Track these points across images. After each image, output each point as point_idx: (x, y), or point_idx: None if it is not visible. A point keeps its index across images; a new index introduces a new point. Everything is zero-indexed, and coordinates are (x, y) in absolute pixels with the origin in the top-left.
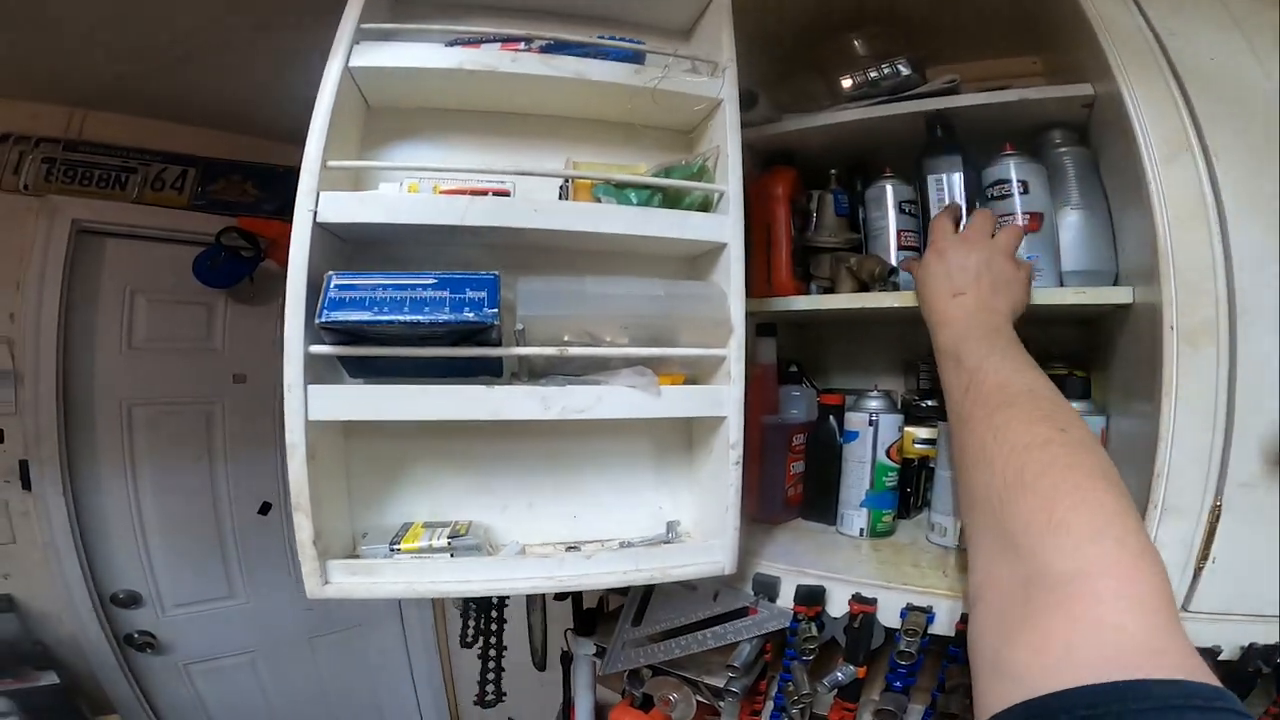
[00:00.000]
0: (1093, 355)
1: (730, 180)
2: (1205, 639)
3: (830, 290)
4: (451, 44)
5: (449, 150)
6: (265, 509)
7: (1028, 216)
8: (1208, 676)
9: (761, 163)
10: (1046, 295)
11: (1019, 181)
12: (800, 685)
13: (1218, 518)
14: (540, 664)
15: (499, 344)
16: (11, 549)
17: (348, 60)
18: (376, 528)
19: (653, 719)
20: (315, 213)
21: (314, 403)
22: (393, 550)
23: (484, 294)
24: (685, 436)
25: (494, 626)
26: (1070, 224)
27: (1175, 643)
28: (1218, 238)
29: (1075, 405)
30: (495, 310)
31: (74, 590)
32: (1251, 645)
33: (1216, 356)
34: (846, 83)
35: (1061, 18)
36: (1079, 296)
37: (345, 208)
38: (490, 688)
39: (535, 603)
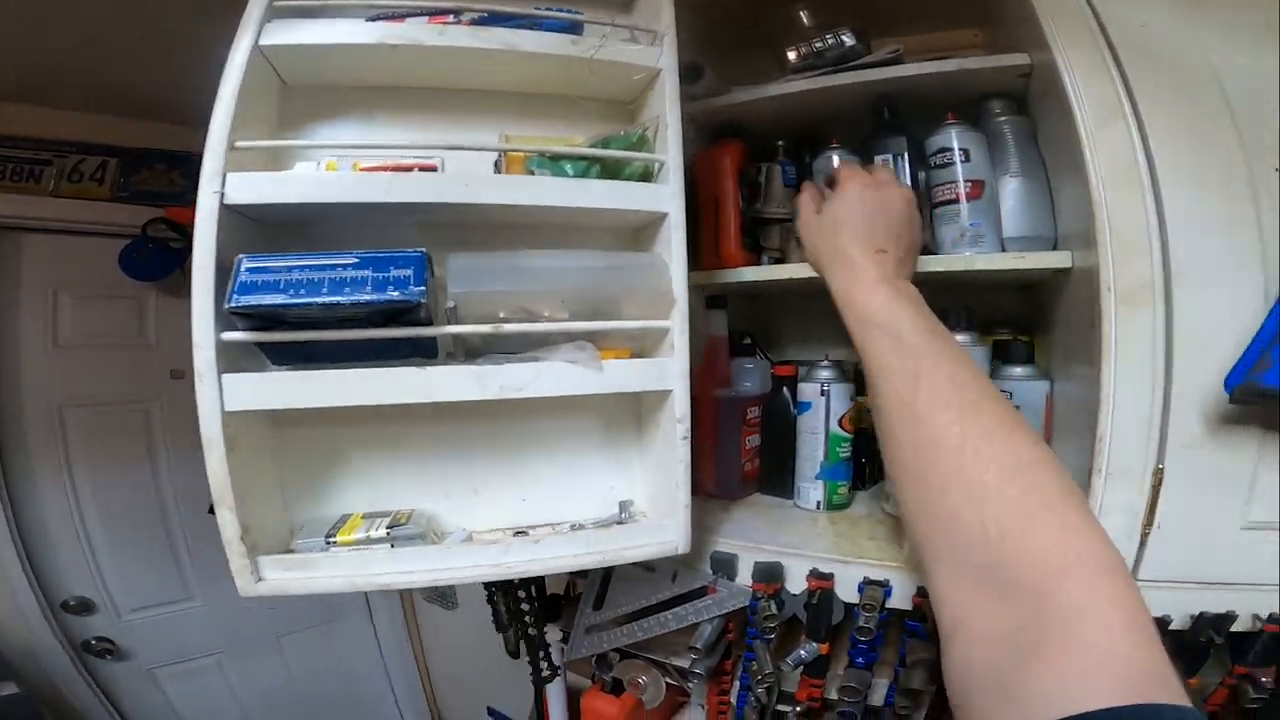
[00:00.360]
0: (1035, 320)
1: (670, 149)
2: (1155, 608)
3: (780, 261)
4: (374, 19)
5: (375, 128)
6: (213, 508)
7: (969, 184)
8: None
9: (709, 136)
10: (989, 261)
11: (960, 150)
12: (764, 664)
13: (1160, 481)
14: (514, 651)
15: (429, 323)
16: None
17: (258, 39)
18: (314, 520)
19: (623, 702)
20: (222, 195)
21: (230, 393)
22: (329, 543)
23: (409, 272)
24: (634, 413)
25: (524, 606)
26: (1010, 191)
27: (1173, 672)
28: (1151, 200)
29: (1019, 370)
30: (422, 288)
31: (21, 599)
32: (1201, 614)
33: (1153, 317)
34: (792, 54)
35: None
36: (1020, 261)
37: (256, 189)
38: (544, 663)
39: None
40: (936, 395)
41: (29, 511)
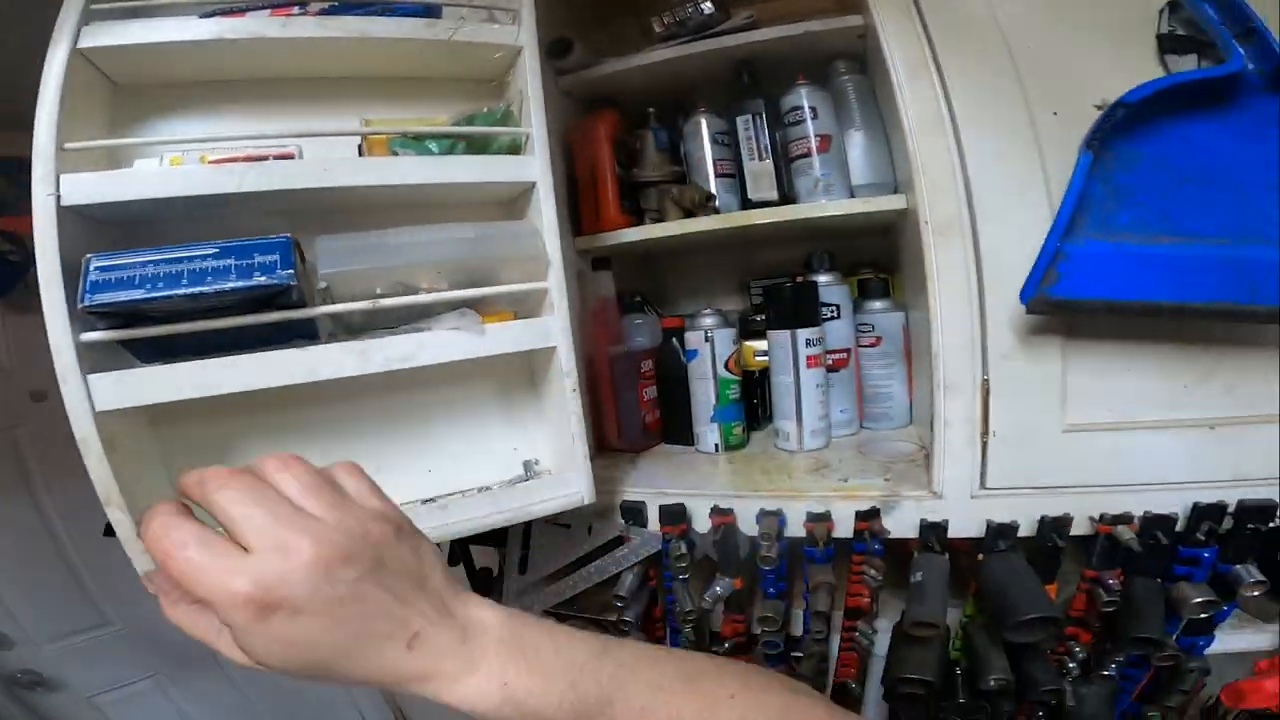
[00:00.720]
0: (891, 260)
1: (534, 122)
2: (1003, 515)
3: (659, 220)
4: (209, 15)
5: (224, 121)
6: (111, 530)
7: (819, 138)
8: None
9: (584, 107)
10: (840, 207)
11: (810, 108)
12: (684, 603)
13: (988, 392)
14: None
15: (302, 305)
16: None
17: (75, 42)
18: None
19: None
20: (58, 197)
21: (99, 393)
22: None
23: (276, 257)
24: (528, 376)
25: None
26: (855, 143)
27: None
28: (954, 145)
29: (879, 304)
30: (291, 271)
31: None
32: (1043, 518)
33: (963, 246)
34: (657, 25)
35: None
36: (865, 206)
37: (93, 188)
38: None
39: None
40: None
41: None
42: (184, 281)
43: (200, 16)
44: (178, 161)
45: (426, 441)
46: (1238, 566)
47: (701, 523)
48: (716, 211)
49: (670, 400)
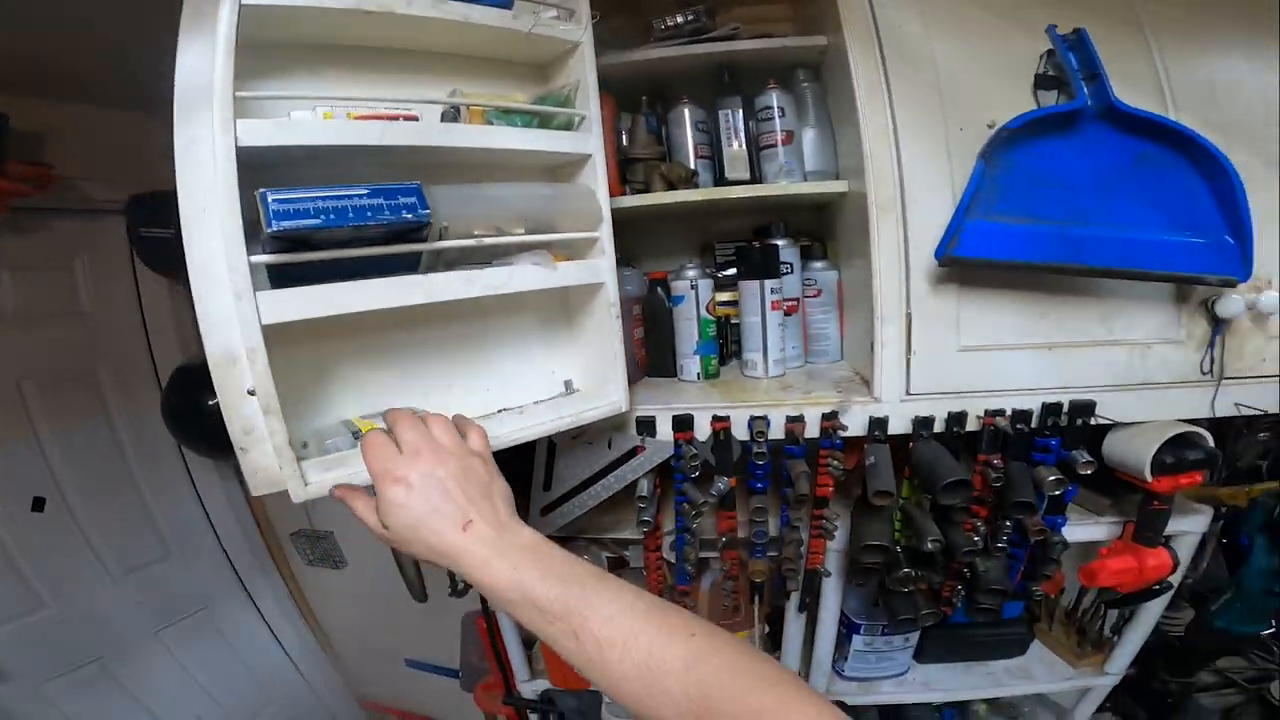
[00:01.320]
0: (824, 230)
1: (591, 106)
2: (924, 412)
3: (645, 191)
4: None
5: (340, 83)
6: (39, 504)
7: (784, 133)
8: None
9: None
10: (798, 188)
11: (779, 108)
12: (694, 498)
13: (910, 322)
14: (420, 595)
15: (426, 240)
16: None
17: None
18: (313, 432)
19: None
20: (237, 138)
21: (265, 307)
22: (357, 440)
23: (414, 199)
24: (564, 310)
25: None
26: (809, 139)
27: None
28: (894, 148)
29: (819, 264)
30: (428, 210)
31: None
32: (949, 414)
33: (896, 220)
34: (659, 26)
35: None
36: (817, 188)
37: (267, 134)
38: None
39: None
40: (600, 643)
41: None
42: (350, 215)
43: None
44: (329, 115)
45: (484, 365)
46: (1073, 451)
47: (701, 431)
48: (696, 186)
49: (655, 339)
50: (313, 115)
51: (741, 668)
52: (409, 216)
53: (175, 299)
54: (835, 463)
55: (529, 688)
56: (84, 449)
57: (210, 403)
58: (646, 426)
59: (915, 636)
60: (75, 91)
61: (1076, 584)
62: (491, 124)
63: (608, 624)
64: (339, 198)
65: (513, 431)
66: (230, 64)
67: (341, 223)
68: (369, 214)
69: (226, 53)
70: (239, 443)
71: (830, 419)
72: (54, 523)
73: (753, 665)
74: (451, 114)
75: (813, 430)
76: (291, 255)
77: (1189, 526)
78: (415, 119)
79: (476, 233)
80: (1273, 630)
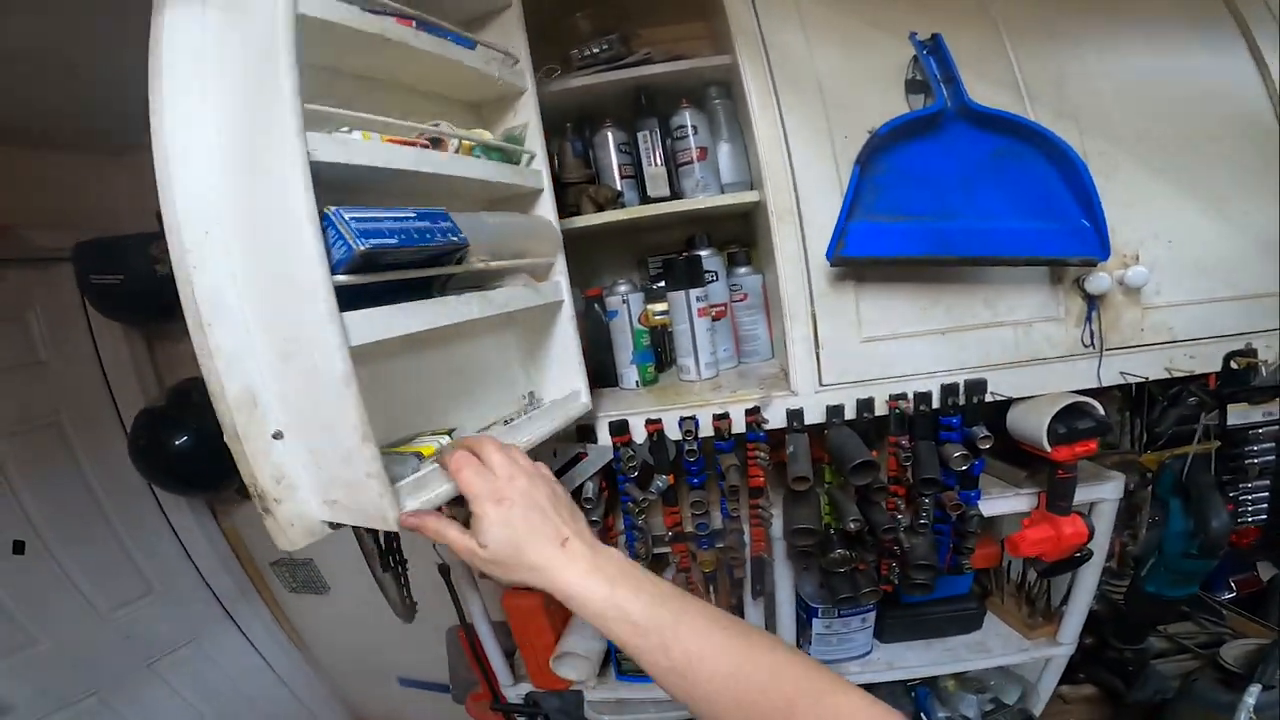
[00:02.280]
0: (750, 238)
1: (538, 143)
2: (835, 401)
3: (576, 214)
4: (368, 10)
5: (343, 107)
6: (19, 547)
7: (699, 149)
8: None
9: None
10: (714, 200)
11: (692, 126)
12: (635, 495)
13: (815, 318)
14: (407, 615)
15: (459, 264)
16: None
17: (297, 7)
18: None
19: (538, 591)
20: (309, 152)
21: (353, 330)
22: (421, 463)
23: (449, 224)
24: (532, 327)
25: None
26: (724, 152)
27: None
28: (786, 158)
29: (743, 269)
30: (464, 235)
31: None
32: (858, 400)
33: (795, 225)
34: (576, 57)
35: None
36: (732, 199)
37: (331, 150)
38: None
39: (374, 559)
40: (690, 656)
41: None
42: (415, 236)
43: (363, 10)
44: (367, 137)
45: (471, 383)
46: (974, 428)
47: (638, 434)
48: (623, 206)
49: (594, 351)
50: (356, 136)
51: (814, 675)
52: (455, 239)
53: (132, 343)
54: (762, 455)
55: (513, 692)
56: (56, 495)
57: (177, 443)
58: (587, 434)
59: (872, 617)
60: (17, 136)
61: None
62: (477, 157)
63: (698, 638)
64: (398, 218)
65: (527, 439)
66: (295, 68)
67: (409, 244)
68: (427, 236)
69: (291, 59)
70: (269, 494)
71: (753, 414)
72: (36, 564)
73: (822, 673)
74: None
75: (739, 426)
76: (373, 275)
77: (1103, 494)
78: (444, 145)
79: (480, 258)
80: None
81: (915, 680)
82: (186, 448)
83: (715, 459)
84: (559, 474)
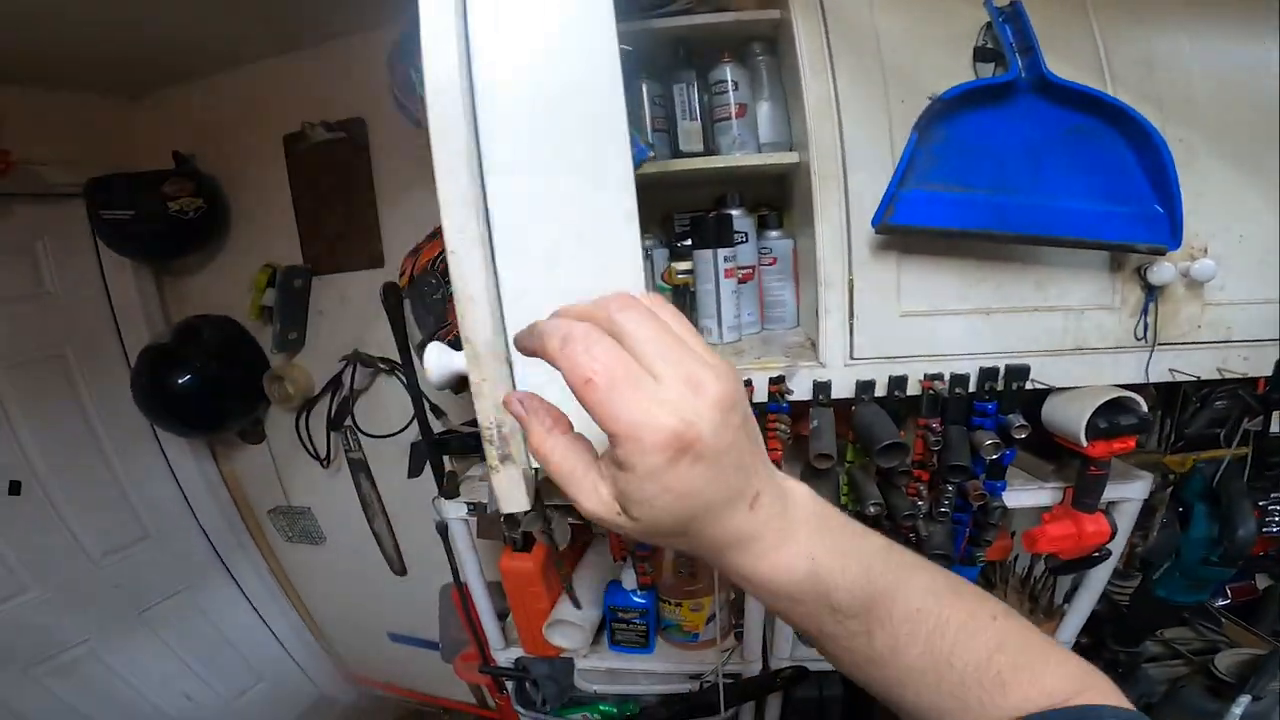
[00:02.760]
0: (782, 201)
1: None
2: (866, 376)
3: None
4: None
5: None
6: (15, 488)
7: (738, 106)
8: None
9: None
10: (751, 159)
11: (733, 81)
12: None
13: (853, 288)
14: (400, 569)
15: None
16: None
17: None
18: None
19: (535, 555)
20: None
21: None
22: None
23: None
24: None
25: None
26: (764, 111)
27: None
28: (836, 122)
29: (774, 233)
30: None
31: None
32: (890, 378)
33: (839, 189)
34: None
35: None
36: (770, 159)
37: None
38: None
39: (374, 510)
40: (898, 641)
41: None
42: None
43: None
44: None
45: None
46: (1009, 416)
47: None
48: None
49: None
50: None
51: (1034, 645)
52: None
53: (140, 279)
54: (782, 427)
55: (504, 656)
56: (56, 431)
57: (180, 381)
58: None
59: None
60: (33, 74)
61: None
62: None
63: (911, 619)
64: None
65: None
66: None
67: None
68: None
69: None
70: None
71: (777, 383)
72: (31, 506)
73: (1044, 642)
74: None
75: (761, 395)
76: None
77: (1129, 493)
78: None
79: None
80: (1226, 602)
81: None
82: (190, 386)
83: None
84: None
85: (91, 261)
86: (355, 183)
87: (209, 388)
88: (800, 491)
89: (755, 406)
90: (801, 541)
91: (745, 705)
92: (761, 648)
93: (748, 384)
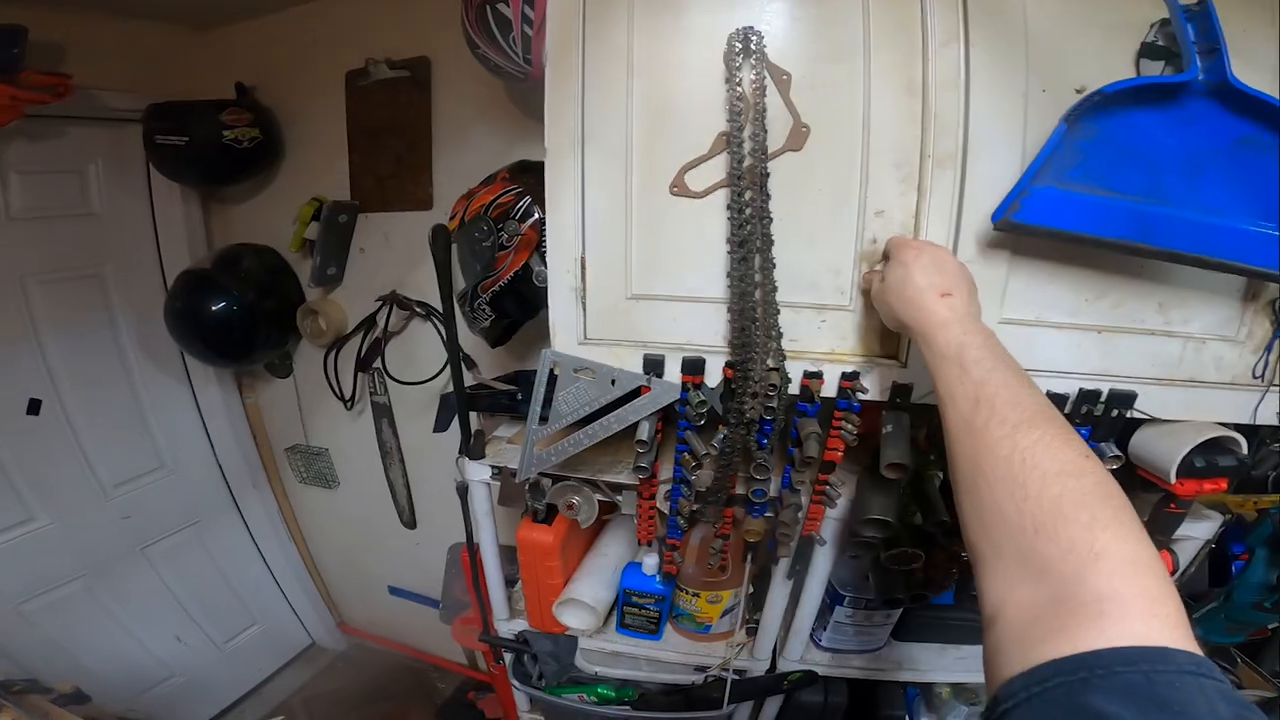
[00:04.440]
0: None
1: None
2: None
3: None
4: None
5: None
6: (34, 407)
7: None
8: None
9: None
10: None
11: None
12: (697, 447)
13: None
14: (410, 521)
15: None
16: None
17: None
18: None
19: (556, 528)
20: None
21: None
22: None
23: None
24: None
25: None
26: None
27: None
28: (963, 100)
29: None
30: None
31: None
32: None
33: (954, 177)
34: None
35: None
36: None
37: None
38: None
39: (392, 458)
40: (993, 414)
41: None
42: None
43: None
44: None
45: None
46: (1101, 444)
47: (712, 377)
48: None
49: None
50: None
51: (1110, 496)
52: None
53: (187, 204)
54: (850, 426)
55: (507, 627)
56: (84, 352)
57: (215, 308)
58: (655, 365)
59: (896, 614)
60: (101, 2)
61: None
62: None
63: (1012, 406)
64: None
65: None
66: None
67: None
68: None
69: None
70: None
71: (850, 379)
72: (49, 428)
73: (1124, 503)
74: None
75: (830, 389)
76: None
77: (1197, 532)
78: None
79: None
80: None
81: (916, 682)
82: (225, 313)
83: (793, 420)
84: (616, 406)
85: (141, 186)
86: (413, 123)
87: (244, 316)
88: (981, 324)
89: (823, 401)
90: (965, 327)
91: (744, 704)
92: (773, 648)
93: (818, 376)
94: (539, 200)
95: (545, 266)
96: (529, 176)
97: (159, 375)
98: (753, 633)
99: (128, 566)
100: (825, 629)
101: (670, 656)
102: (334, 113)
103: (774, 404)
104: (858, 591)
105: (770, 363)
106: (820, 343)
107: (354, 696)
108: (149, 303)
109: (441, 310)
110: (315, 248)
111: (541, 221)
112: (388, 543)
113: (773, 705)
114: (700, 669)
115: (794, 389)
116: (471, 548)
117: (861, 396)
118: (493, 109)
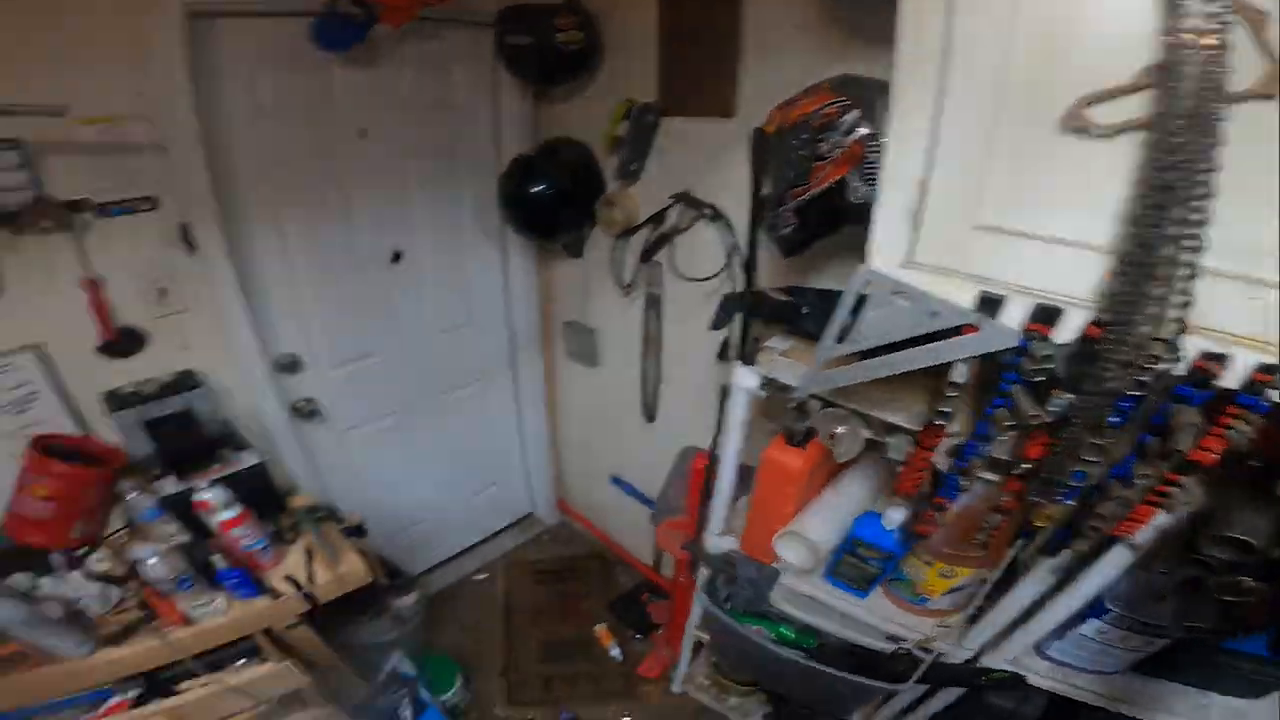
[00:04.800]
0: None
1: None
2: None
3: None
4: None
5: None
6: (397, 257)
7: None
8: None
9: None
10: None
11: None
12: (1025, 409)
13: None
14: (651, 415)
15: None
16: (185, 319)
17: None
18: None
19: (809, 455)
20: None
21: None
22: None
23: None
24: None
25: None
26: None
27: None
28: None
29: None
30: None
31: (246, 359)
32: None
33: None
34: None
35: None
36: None
37: None
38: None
39: (652, 348)
40: None
41: (247, 267)
42: None
43: None
44: None
45: None
46: None
47: (1064, 331)
48: None
49: None
50: None
51: None
52: None
53: (524, 99)
54: (1244, 427)
55: (715, 542)
56: (436, 216)
57: (534, 190)
58: (990, 305)
59: (1160, 644)
60: None
61: None
62: None
63: None
64: None
65: None
66: None
67: None
68: None
69: None
70: None
71: (1269, 372)
72: (405, 276)
73: None
74: None
75: (1233, 379)
76: None
77: None
78: None
79: None
80: None
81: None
82: (542, 195)
83: (1163, 405)
84: (927, 339)
85: (487, 83)
86: (723, 32)
87: (556, 199)
88: None
89: (1214, 390)
90: None
91: (917, 687)
92: (986, 641)
93: (1218, 359)
94: (868, 115)
95: (861, 183)
96: (855, 90)
97: (483, 242)
98: (974, 619)
99: (427, 411)
100: (1061, 639)
101: (870, 619)
102: (648, 19)
103: (1146, 379)
104: (1130, 609)
105: (1162, 332)
106: (1240, 323)
107: (546, 570)
108: (484, 181)
109: (742, 213)
110: (622, 145)
111: (869, 137)
112: (624, 431)
113: (945, 696)
114: (894, 639)
115: (1178, 369)
116: (713, 454)
117: (1276, 397)
118: (809, 23)
